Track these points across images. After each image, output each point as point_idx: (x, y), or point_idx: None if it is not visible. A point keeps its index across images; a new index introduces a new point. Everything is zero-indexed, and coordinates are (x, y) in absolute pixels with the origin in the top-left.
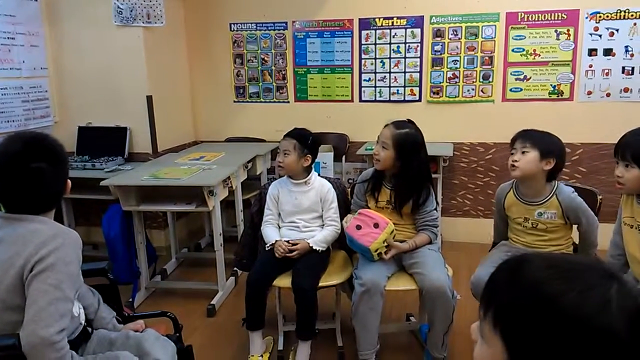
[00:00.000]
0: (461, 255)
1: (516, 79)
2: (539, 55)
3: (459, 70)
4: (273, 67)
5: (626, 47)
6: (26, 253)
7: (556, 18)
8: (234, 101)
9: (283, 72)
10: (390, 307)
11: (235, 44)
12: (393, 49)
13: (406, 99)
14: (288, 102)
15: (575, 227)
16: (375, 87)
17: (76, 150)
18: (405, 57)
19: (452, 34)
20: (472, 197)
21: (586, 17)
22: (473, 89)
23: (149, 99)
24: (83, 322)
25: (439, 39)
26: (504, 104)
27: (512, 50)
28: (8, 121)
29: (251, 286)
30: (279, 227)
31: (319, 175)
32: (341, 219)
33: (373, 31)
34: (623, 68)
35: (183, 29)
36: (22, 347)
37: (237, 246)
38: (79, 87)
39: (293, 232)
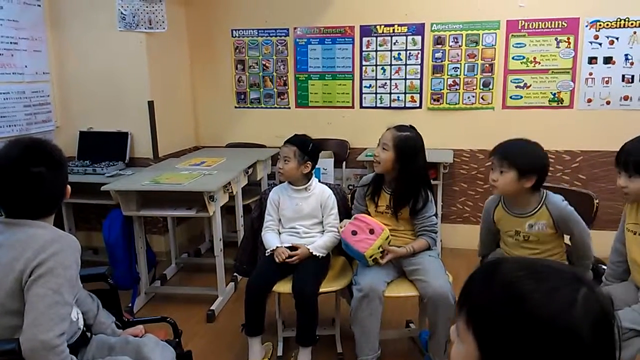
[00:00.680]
0: (461, 261)
1: (516, 87)
2: (539, 63)
3: (460, 78)
4: (274, 73)
5: (626, 55)
6: (25, 258)
7: (556, 26)
8: (235, 107)
9: (284, 78)
10: (390, 314)
11: (237, 50)
12: (394, 56)
13: (407, 105)
14: (289, 108)
15: (567, 237)
16: (376, 93)
17: (77, 155)
18: (406, 64)
19: (452, 42)
20: (472, 203)
21: (586, 26)
22: (473, 96)
23: (151, 104)
24: (81, 326)
25: (439, 46)
26: (504, 111)
27: (513, 58)
28: (10, 125)
29: (251, 291)
30: (279, 233)
31: (319, 181)
32: None
33: (374, 38)
34: (623, 76)
35: (185, 35)
36: (22, 352)
37: (237, 251)
38: (80, 92)
39: (293, 237)
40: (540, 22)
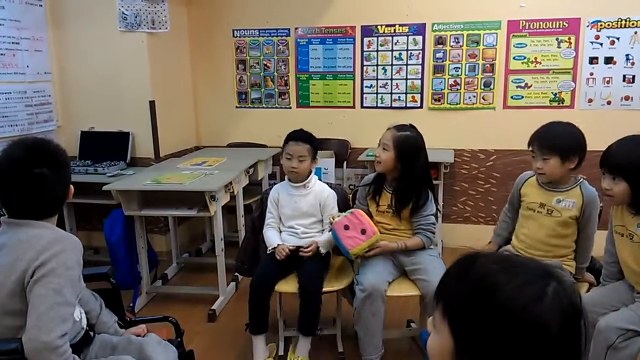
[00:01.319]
0: None
1: (517, 87)
2: (540, 63)
3: (461, 78)
4: (275, 73)
5: (627, 55)
6: (27, 258)
7: (557, 26)
8: (236, 107)
9: (285, 78)
10: (391, 313)
11: (238, 50)
12: (395, 56)
13: (408, 105)
14: (290, 108)
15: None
16: (376, 93)
17: (78, 154)
18: (407, 64)
19: (453, 42)
20: (472, 203)
21: (587, 26)
22: (474, 96)
23: (152, 104)
24: (85, 326)
25: (440, 46)
26: (505, 111)
27: (514, 58)
28: (11, 125)
29: (255, 290)
30: (280, 231)
31: (319, 180)
32: None
33: (375, 38)
34: (624, 76)
35: (186, 35)
36: (24, 352)
37: (238, 251)
38: (82, 91)
39: (292, 237)
40: (541, 22)
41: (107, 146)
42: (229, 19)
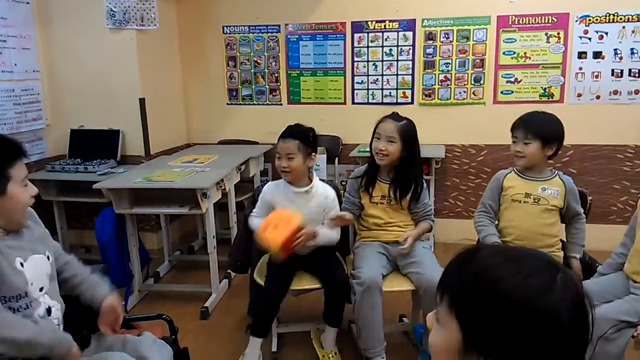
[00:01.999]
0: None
1: (507, 82)
2: (530, 58)
3: (451, 73)
4: (266, 70)
5: (615, 50)
6: None
7: (546, 21)
8: (227, 103)
9: (276, 75)
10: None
11: (228, 47)
12: (385, 52)
13: (399, 101)
14: (281, 104)
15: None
16: (367, 89)
17: (68, 153)
18: (397, 60)
19: (443, 37)
20: (464, 198)
21: (576, 21)
22: (464, 92)
23: (142, 101)
24: (58, 322)
25: (430, 42)
26: (495, 106)
27: (503, 53)
28: (0, 124)
29: (270, 297)
30: None
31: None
32: None
33: (365, 34)
34: (612, 70)
35: (176, 32)
36: None
37: (232, 248)
38: (71, 89)
39: None
40: (530, 18)
41: (97, 144)
42: (218, 15)
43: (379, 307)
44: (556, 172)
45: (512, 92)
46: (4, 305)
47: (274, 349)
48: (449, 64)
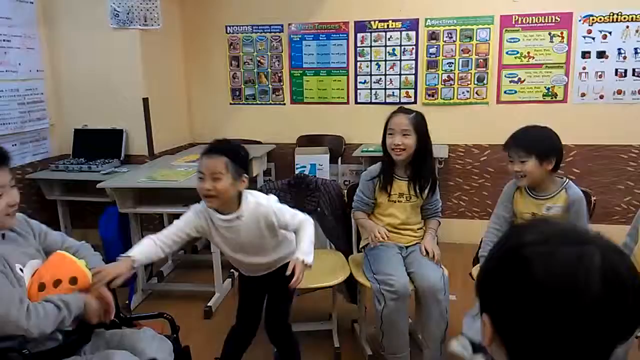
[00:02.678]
0: (456, 256)
1: (510, 81)
2: (533, 57)
3: (454, 73)
4: (269, 70)
5: (619, 49)
6: None
7: (550, 21)
8: (230, 103)
9: (279, 75)
10: None
11: (232, 47)
12: (388, 52)
13: (402, 101)
14: (284, 104)
15: None
16: (370, 89)
17: (72, 152)
18: (400, 60)
19: (447, 37)
20: (467, 198)
21: (579, 20)
22: (468, 91)
23: (145, 101)
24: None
25: (434, 41)
26: (498, 106)
27: (507, 53)
28: (4, 124)
29: (237, 338)
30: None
31: (301, 176)
32: (335, 222)
33: (369, 34)
34: (616, 70)
35: (179, 31)
36: None
37: None
38: (74, 89)
39: (252, 267)
40: (533, 17)
41: (101, 144)
42: (221, 15)
43: (406, 312)
44: (565, 184)
45: (516, 91)
46: None
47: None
48: (452, 63)
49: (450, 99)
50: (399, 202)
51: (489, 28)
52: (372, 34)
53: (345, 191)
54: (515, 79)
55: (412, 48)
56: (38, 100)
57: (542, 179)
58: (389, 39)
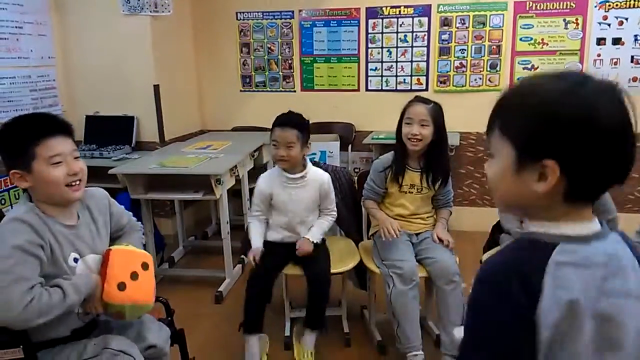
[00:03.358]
0: (468, 244)
1: (524, 68)
2: (547, 44)
3: (466, 60)
4: (279, 56)
5: (635, 36)
6: None
7: (565, 7)
8: (241, 90)
9: (289, 61)
10: None
11: (242, 33)
12: (400, 38)
13: (413, 88)
14: (294, 91)
15: None
16: (381, 76)
17: (84, 139)
18: (412, 46)
19: (459, 23)
20: (478, 186)
21: (595, 6)
22: (480, 79)
23: (156, 88)
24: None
25: (446, 27)
26: None
27: (520, 39)
28: (16, 110)
29: (252, 290)
30: (268, 226)
31: (312, 163)
32: (345, 210)
33: (380, 20)
34: (632, 57)
35: (190, 18)
36: None
37: (244, 234)
38: (86, 76)
39: (285, 232)
40: (548, 3)
41: (112, 130)
42: (232, 2)
43: (417, 300)
44: None
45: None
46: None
47: (287, 333)
48: (465, 50)
49: (463, 86)
50: (409, 193)
51: (503, 14)
52: (384, 20)
53: (356, 178)
54: (529, 66)
55: (424, 34)
56: (50, 87)
57: None
58: (400, 25)
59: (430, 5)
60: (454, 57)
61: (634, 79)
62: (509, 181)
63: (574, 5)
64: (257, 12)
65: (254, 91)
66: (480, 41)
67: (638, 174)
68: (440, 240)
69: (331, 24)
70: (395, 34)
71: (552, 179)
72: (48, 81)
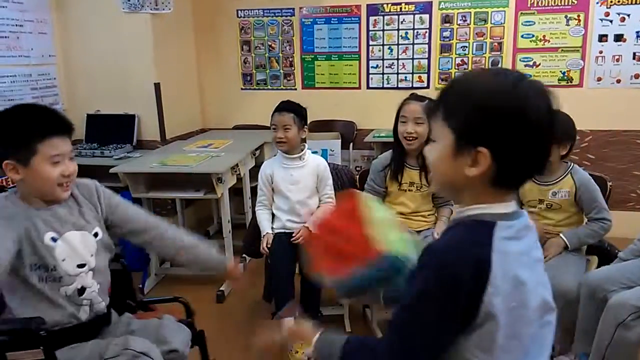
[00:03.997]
0: None
1: (525, 65)
2: (549, 41)
3: (468, 57)
4: (280, 54)
5: (637, 32)
6: None
7: (566, 3)
8: (242, 88)
9: (290, 59)
10: None
11: (243, 31)
12: (401, 35)
13: (414, 85)
14: (295, 89)
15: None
16: (382, 74)
17: (85, 137)
18: (413, 44)
19: (460, 20)
20: None
21: (597, 2)
22: None
23: (157, 86)
24: (89, 304)
25: (447, 24)
26: None
27: (522, 36)
28: None
29: (280, 274)
30: (273, 215)
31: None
32: None
33: (381, 17)
34: (634, 54)
35: (190, 16)
36: None
37: (246, 233)
38: (87, 74)
39: (291, 221)
40: (550, 0)
41: (113, 129)
42: None
43: None
44: (570, 168)
45: (531, 75)
46: (31, 272)
47: None
48: (466, 47)
49: None
50: (409, 192)
51: (504, 11)
52: (385, 17)
53: (357, 176)
54: (530, 63)
55: (425, 31)
56: (51, 85)
57: (553, 163)
58: (401, 22)
59: (432, 2)
60: (456, 54)
61: (636, 76)
62: (446, 164)
63: (575, 2)
64: (258, 9)
65: (255, 89)
66: (482, 38)
67: (639, 172)
68: None
69: (332, 22)
70: (396, 31)
71: (483, 165)
72: (49, 79)
